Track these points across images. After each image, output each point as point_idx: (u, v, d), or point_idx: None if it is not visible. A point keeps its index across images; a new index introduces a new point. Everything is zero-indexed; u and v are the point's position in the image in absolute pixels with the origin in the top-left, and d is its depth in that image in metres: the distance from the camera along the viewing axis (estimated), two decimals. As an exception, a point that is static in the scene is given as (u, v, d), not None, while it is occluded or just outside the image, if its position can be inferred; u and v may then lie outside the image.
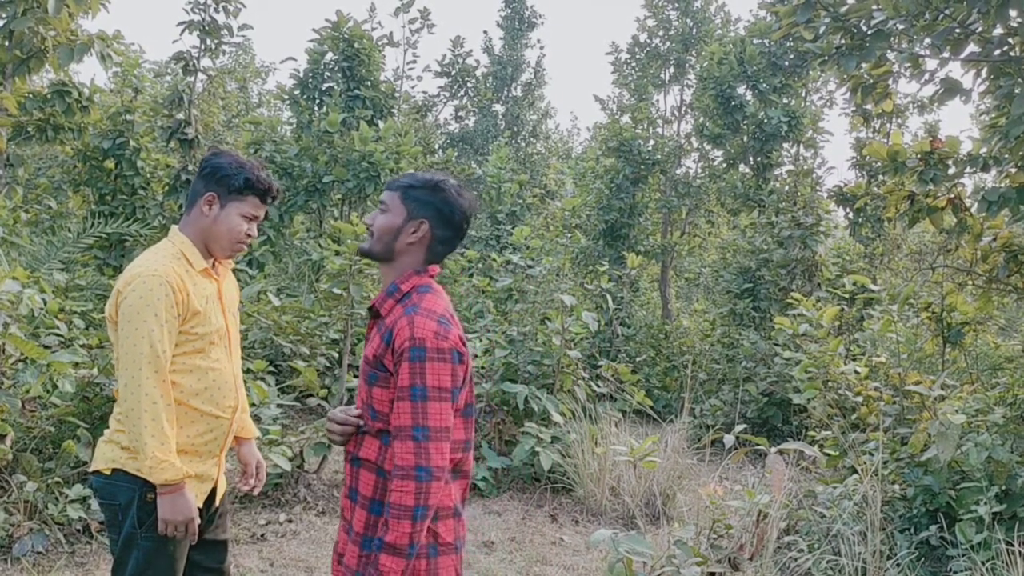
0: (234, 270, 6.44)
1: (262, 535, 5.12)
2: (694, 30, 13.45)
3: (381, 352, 2.19)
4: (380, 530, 2.15)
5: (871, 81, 5.33)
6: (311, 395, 6.42)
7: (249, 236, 2.72)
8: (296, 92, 11.19)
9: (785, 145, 12.17)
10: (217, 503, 2.84)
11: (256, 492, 3.11)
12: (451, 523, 2.24)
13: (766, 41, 11.72)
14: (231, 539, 2.98)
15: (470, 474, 2.35)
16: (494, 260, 9.55)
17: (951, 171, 5.19)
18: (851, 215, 11.37)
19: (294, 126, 11.21)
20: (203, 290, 2.67)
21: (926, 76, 5.06)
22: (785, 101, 11.82)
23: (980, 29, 4.67)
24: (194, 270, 2.67)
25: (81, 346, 5.15)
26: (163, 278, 2.54)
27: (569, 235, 11.60)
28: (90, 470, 2.70)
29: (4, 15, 6.32)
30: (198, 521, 2.60)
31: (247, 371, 6.39)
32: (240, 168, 2.68)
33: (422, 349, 2.11)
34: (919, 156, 5.19)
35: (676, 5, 13.57)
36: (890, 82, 5.43)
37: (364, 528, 2.23)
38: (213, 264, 2.78)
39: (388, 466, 2.20)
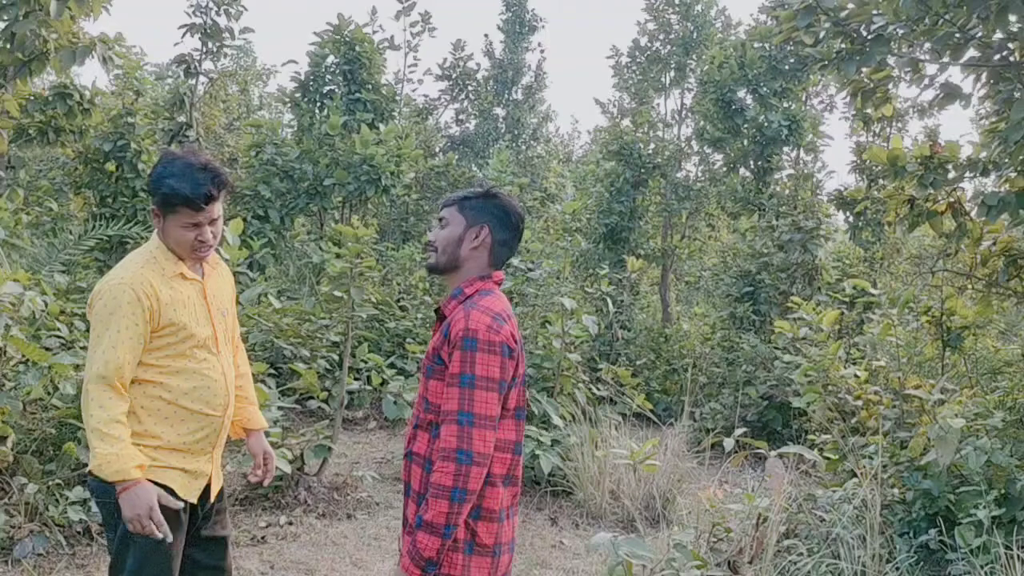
0: (234, 273, 6.44)
1: (262, 537, 5.12)
2: (695, 34, 13.45)
3: (439, 344, 2.32)
4: (421, 510, 2.24)
5: (871, 85, 5.34)
6: (311, 397, 6.42)
7: (201, 241, 2.69)
8: (297, 95, 11.20)
9: (785, 149, 12.17)
10: (212, 500, 2.85)
11: (266, 483, 3.14)
12: (493, 527, 2.31)
13: (767, 45, 11.73)
14: (231, 538, 2.98)
15: (520, 480, 2.43)
16: (494, 263, 9.56)
17: (951, 175, 5.20)
18: (851, 219, 11.34)
19: (295, 129, 11.21)
20: (180, 294, 2.69)
21: (926, 81, 5.08)
22: (785, 105, 11.83)
23: (980, 34, 4.68)
24: (167, 275, 2.68)
25: (82, 348, 5.15)
26: (127, 286, 2.58)
27: (569, 238, 11.59)
28: (87, 471, 2.72)
29: (6, 17, 6.33)
30: (163, 513, 2.56)
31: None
32: (160, 181, 2.63)
33: (474, 340, 2.23)
34: (919, 160, 5.19)
35: (676, 9, 13.57)
36: (890, 86, 5.44)
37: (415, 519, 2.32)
38: (201, 265, 2.80)
39: (435, 457, 2.29)
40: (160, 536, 2.54)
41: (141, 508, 2.51)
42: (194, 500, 2.75)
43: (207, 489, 2.83)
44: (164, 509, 2.61)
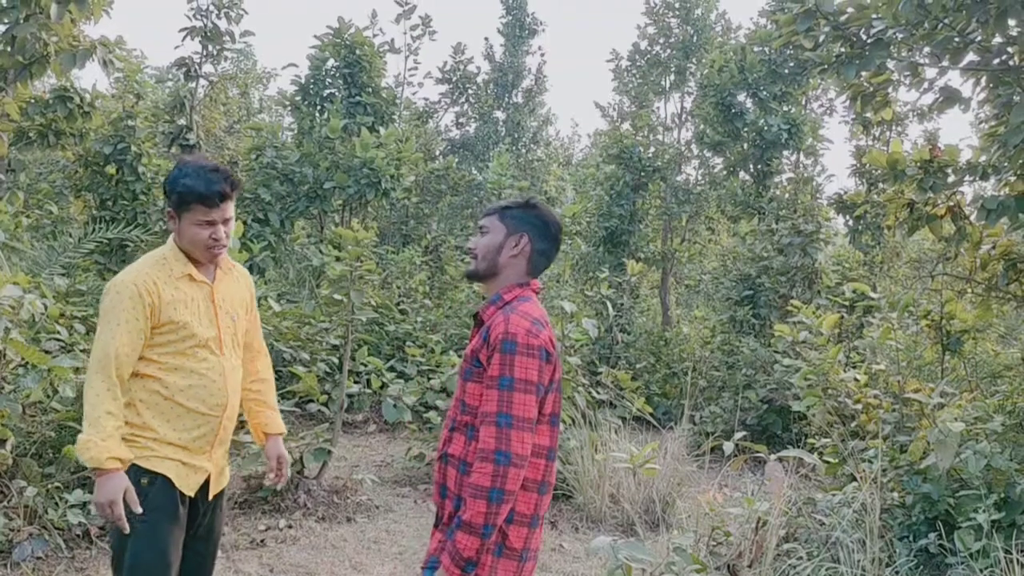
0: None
1: (262, 541, 5.12)
2: (695, 38, 13.47)
3: (478, 347, 2.37)
4: (460, 511, 2.29)
5: (871, 89, 5.34)
6: (311, 400, 6.42)
7: (215, 240, 2.81)
8: (297, 98, 11.21)
9: (785, 153, 12.19)
10: (211, 497, 2.91)
11: (280, 485, 3.21)
12: (524, 531, 2.35)
13: (766, 49, 11.75)
14: (219, 534, 3.05)
15: (553, 486, 2.47)
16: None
17: (950, 179, 5.20)
18: (851, 223, 11.38)
19: (295, 132, 11.23)
20: (185, 294, 2.80)
21: (925, 85, 5.09)
22: (785, 109, 11.84)
23: (979, 38, 4.68)
24: (175, 276, 2.80)
25: (82, 351, 5.15)
26: (131, 283, 2.71)
27: (569, 242, 11.59)
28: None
29: (6, 20, 6.34)
30: (132, 507, 2.65)
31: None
32: (175, 182, 2.77)
33: (513, 343, 2.28)
34: (918, 164, 5.19)
35: (677, 13, 13.60)
36: (890, 90, 5.45)
37: (450, 520, 2.38)
38: (215, 268, 2.91)
39: (470, 459, 2.35)
40: (122, 529, 2.64)
41: (103, 497, 2.61)
42: (191, 493, 2.81)
43: (207, 487, 2.88)
44: (159, 498, 2.71)
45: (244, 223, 8.82)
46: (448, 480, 2.41)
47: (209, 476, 2.87)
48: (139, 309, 2.69)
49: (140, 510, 2.66)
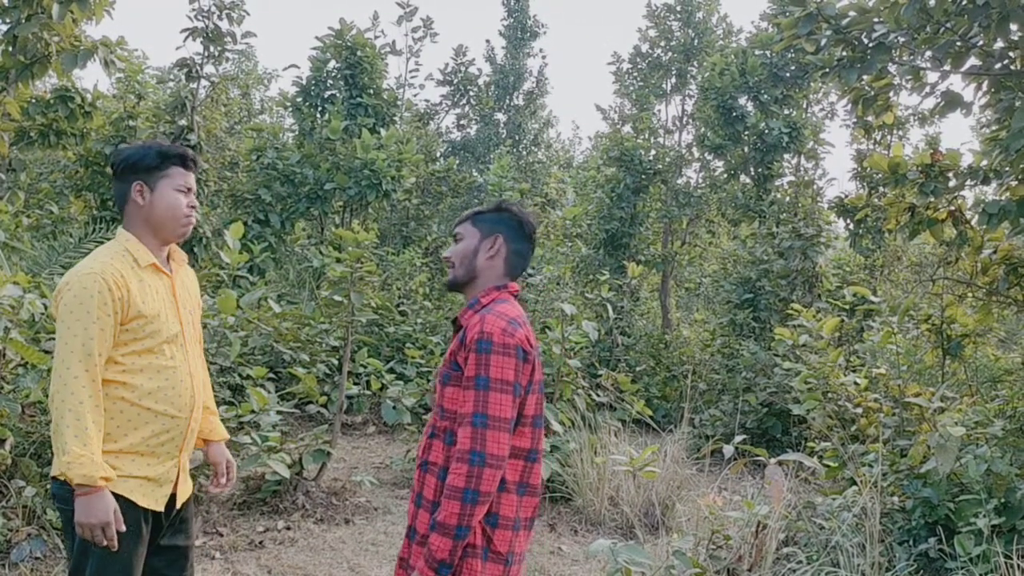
0: (234, 277, 6.40)
1: (260, 542, 5.11)
2: (696, 41, 13.47)
3: (456, 349, 2.34)
4: (436, 513, 2.26)
5: (872, 93, 5.34)
6: (311, 402, 6.41)
7: (192, 208, 2.68)
8: (299, 99, 11.22)
9: (786, 156, 12.18)
10: (178, 507, 2.73)
11: (226, 492, 3.06)
12: (508, 535, 2.32)
13: (768, 52, 11.75)
14: (192, 548, 2.84)
15: (538, 490, 2.43)
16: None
17: (952, 184, 5.20)
18: (852, 226, 11.36)
19: (296, 133, 11.23)
20: (150, 287, 2.60)
21: (927, 89, 5.08)
22: (786, 112, 11.84)
23: (981, 43, 4.68)
24: (139, 266, 2.60)
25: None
26: (98, 276, 2.47)
27: (570, 244, 11.59)
28: (51, 476, 2.57)
29: (8, 20, 6.34)
30: (115, 527, 2.44)
31: (247, 377, 6.38)
32: (148, 148, 2.64)
33: (489, 343, 2.25)
34: (920, 168, 5.19)
35: (678, 16, 13.60)
36: (891, 94, 5.44)
37: (428, 530, 2.33)
38: (168, 258, 2.73)
39: (450, 463, 2.30)
40: (112, 547, 2.45)
41: (96, 517, 2.41)
42: (160, 508, 2.63)
43: (173, 497, 2.70)
44: (123, 516, 2.50)
45: (245, 224, 8.81)
46: (426, 489, 2.36)
47: (176, 486, 2.68)
48: (109, 304, 2.46)
49: (124, 529, 2.46)
